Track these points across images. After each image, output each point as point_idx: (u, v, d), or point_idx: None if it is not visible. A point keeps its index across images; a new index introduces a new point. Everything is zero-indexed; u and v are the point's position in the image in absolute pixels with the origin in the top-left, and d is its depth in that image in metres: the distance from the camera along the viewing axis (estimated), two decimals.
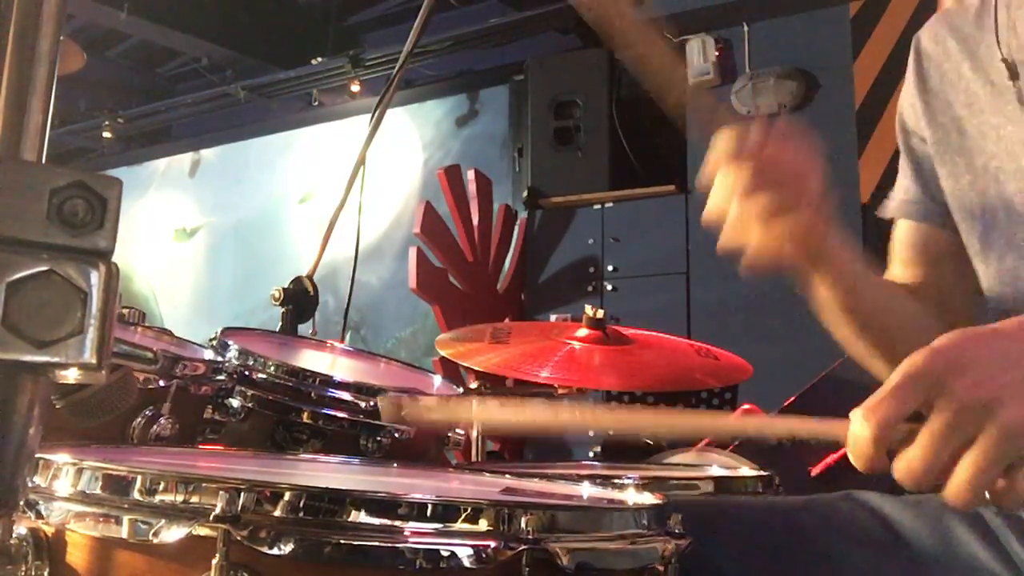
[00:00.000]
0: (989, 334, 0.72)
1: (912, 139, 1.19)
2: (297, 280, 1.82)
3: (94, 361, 0.47)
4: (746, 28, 4.31)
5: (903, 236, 1.21)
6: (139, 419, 1.14)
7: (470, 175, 4.84)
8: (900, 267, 1.21)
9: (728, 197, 0.98)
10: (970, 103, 1.11)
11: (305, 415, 1.32)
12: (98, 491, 0.73)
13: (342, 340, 2.09)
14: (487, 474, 1.17)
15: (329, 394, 1.34)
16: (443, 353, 1.85)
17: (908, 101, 1.20)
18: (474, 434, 1.89)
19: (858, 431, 0.70)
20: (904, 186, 1.20)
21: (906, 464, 0.69)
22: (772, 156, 0.99)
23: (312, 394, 1.33)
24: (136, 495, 0.72)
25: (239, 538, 0.66)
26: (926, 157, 1.17)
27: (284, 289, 1.79)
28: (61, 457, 0.76)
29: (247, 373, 1.31)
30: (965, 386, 0.67)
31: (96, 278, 0.47)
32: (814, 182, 0.99)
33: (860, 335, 1.13)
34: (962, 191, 1.11)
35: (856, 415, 0.70)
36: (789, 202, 0.97)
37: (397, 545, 0.69)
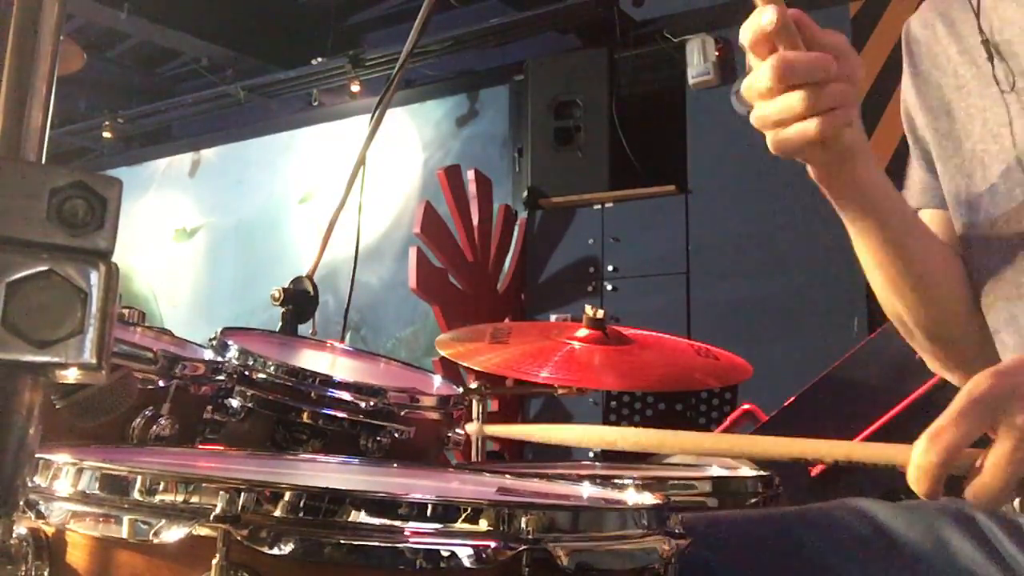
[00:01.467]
0: None
1: (916, 127, 1.19)
2: (297, 280, 1.82)
3: (94, 361, 0.47)
4: None
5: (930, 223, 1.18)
6: (139, 419, 1.14)
7: (470, 175, 4.85)
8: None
9: (769, 83, 0.89)
10: (959, 86, 1.10)
11: (305, 415, 1.32)
12: (98, 491, 0.73)
13: (342, 340, 2.09)
14: (487, 474, 1.17)
15: (329, 394, 1.34)
16: (443, 353, 1.85)
17: (905, 89, 1.20)
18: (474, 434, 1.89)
19: (922, 459, 0.70)
20: (917, 176, 1.19)
21: (977, 491, 0.70)
22: (816, 49, 0.90)
23: (312, 394, 1.33)
24: (136, 495, 0.72)
25: (239, 538, 0.66)
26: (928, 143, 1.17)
27: (284, 289, 1.79)
28: (61, 457, 0.76)
29: (247, 373, 1.31)
30: None
31: (96, 278, 0.47)
32: (859, 82, 0.91)
33: (906, 290, 1.07)
34: (950, 174, 1.10)
35: (921, 442, 0.70)
36: (836, 101, 0.88)
37: (397, 545, 0.69)
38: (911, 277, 1.06)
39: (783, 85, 0.88)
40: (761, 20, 0.91)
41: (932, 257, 1.08)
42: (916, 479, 0.71)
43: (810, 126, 0.89)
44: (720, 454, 1.08)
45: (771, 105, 0.91)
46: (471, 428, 1.62)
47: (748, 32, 0.94)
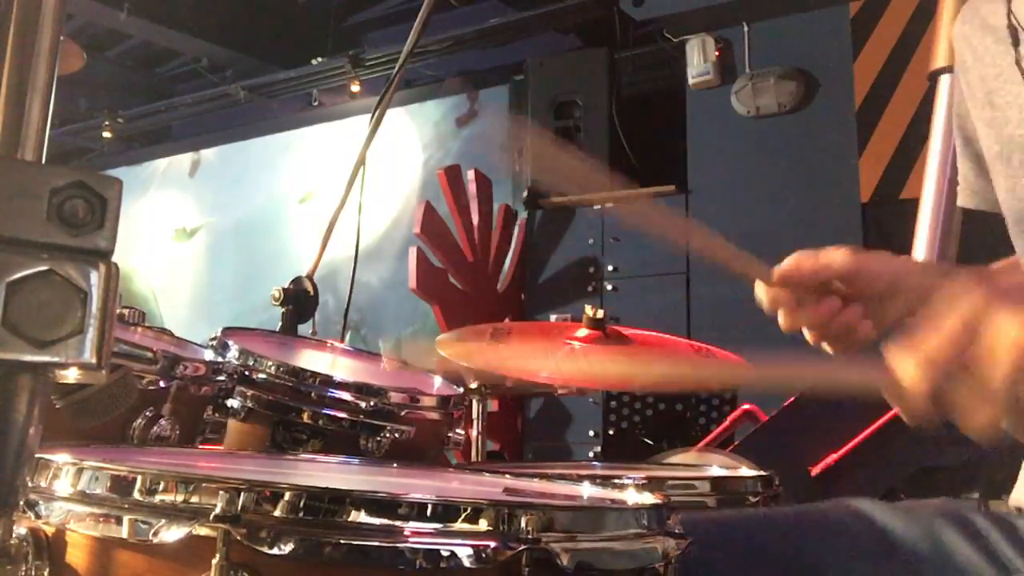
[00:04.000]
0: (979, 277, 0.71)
1: (965, 124, 1.18)
2: (297, 280, 1.82)
3: (94, 361, 0.47)
4: (746, 28, 4.31)
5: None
6: (139, 419, 1.14)
7: (470, 175, 4.84)
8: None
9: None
10: (998, 74, 1.10)
11: (305, 415, 1.32)
12: (98, 491, 0.73)
13: (342, 340, 2.09)
14: (487, 474, 1.17)
15: (329, 394, 1.34)
16: (443, 353, 1.85)
17: (956, 89, 1.19)
18: (474, 434, 1.89)
19: (907, 379, 0.67)
20: (970, 176, 1.19)
21: (974, 415, 0.66)
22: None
23: (312, 394, 1.33)
24: (136, 495, 0.72)
25: (239, 538, 0.66)
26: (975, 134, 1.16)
27: (284, 289, 1.79)
28: (61, 457, 0.76)
29: (247, 373, 1.31)
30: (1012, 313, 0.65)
31: (96, 278, 0.47)
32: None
33: None
34: (991, 161, 1.10)
35: (904, 361, 0.67)
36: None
37: (397, 545, 0.69)
38: None
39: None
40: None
41: None
42: (899, 403, 0.69)
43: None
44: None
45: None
46: None
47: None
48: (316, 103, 6.71)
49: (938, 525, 0.98)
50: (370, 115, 1.99)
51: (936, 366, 0.66)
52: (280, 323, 1.79)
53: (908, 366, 0.67)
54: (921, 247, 2.30)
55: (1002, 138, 1.08)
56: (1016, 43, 1.06)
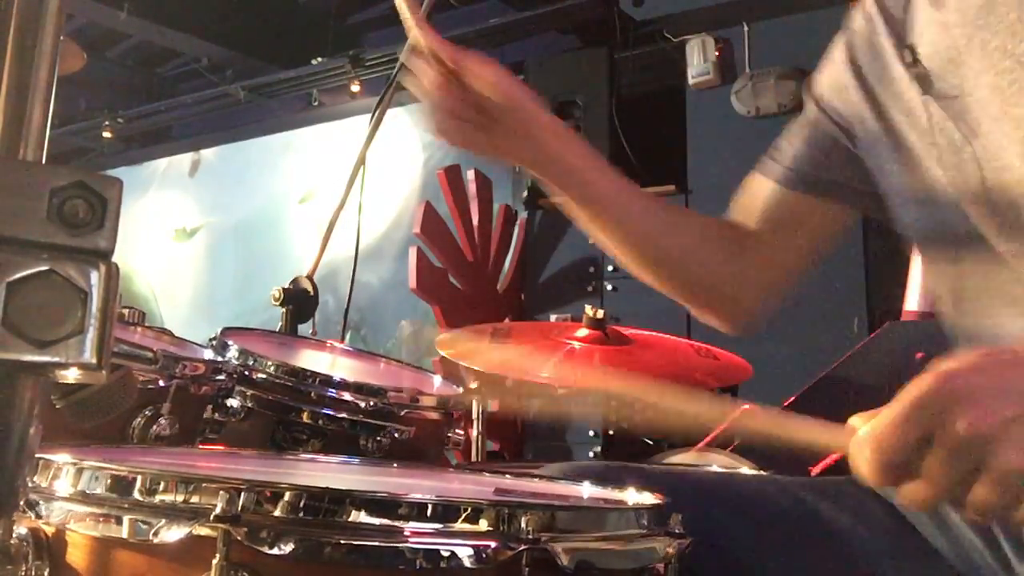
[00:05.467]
0: (1001, 363, 0.69)
1: (827, 111, 1.13)
2: (297, 280, 1.83)
3: (94, 361, 0.47)
4: (746, 28, 4.30)
5: (762, 193, 1.19)
6: (139, 419, 1.14)
7: (470, 175, 4.84)
8: (742, 213, 1.21)
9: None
10: (900, 93, 1.02)
11: (305, 415, 1.33)
12: (98, 491, 0.73)
13: (342, 340, 2.09)
14: (487, 474, 1.17)
15: (329, 394, 1.35)
16: (443, 353, 1.86)
17: (839, 71, 1.13)
18: (474, 434, 1.89)
19: (859, 455, 0.69)
20: (793, 155, 1.16)
21: (909, 494, 0.68)
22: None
23: (312, 394, 1.33)
24: (136, 495, 0.72)
25: (239, 538, 0.66)
26: (833, 133, 1.12)
27: (284, 289, 1.80)
28: (61, 457, 0.76)
29: (247, 373, 1.32)
30: (967, 420, 0.64)
31: (96, 278, 0.47)
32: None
33: (628, 256, 1.22)
34: (906, 182, 1.02)
35: (858, 440, 0.69)
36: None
37: (397, 545, 0.69)
38: (627, 242, 1.23)
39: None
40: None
41: (650, 223, 1.22)
42: (856, 471, 0.70)
43: None
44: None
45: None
46: None
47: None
48: (316, 103, 6.71)
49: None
50: (370, 115, 2.00)
51: (882, 452, 0.68)
52: (280, 323, 1.79)
53: (859, 446, 0.69)
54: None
55: (900, 157, 1.01)
56: (915, 62, 0.98)
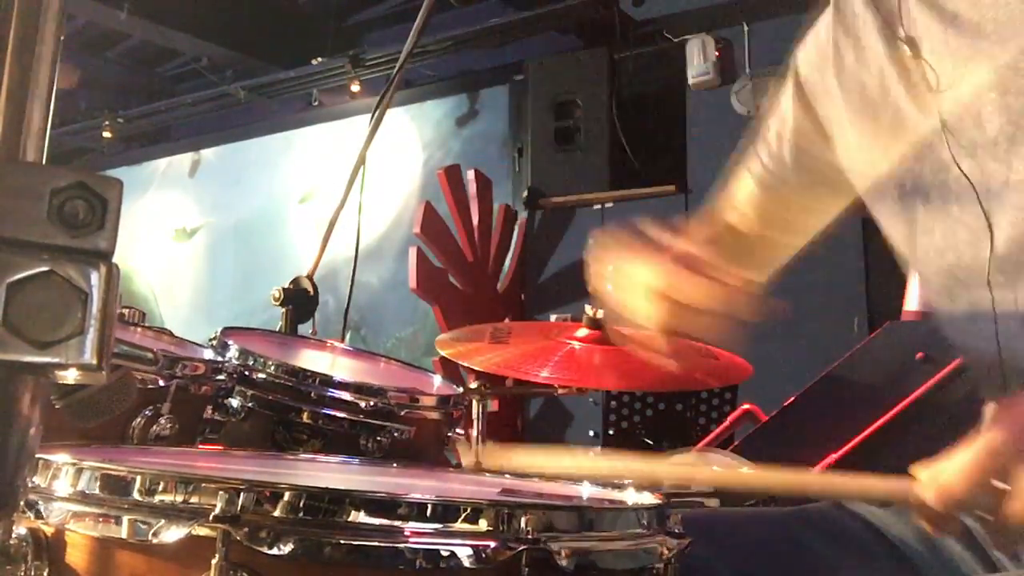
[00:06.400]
0: None
1: (808, 106, 1.15)
2: (297, 280, 1.83)
3: (94, 361, 0.47)
4: (746, 28, 4.31)
5: (739, 188, 1.24)
6: (139, 419, 1.14)
7: (470, 175, 4.84)
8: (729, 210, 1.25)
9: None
10: (887, 88, 1.01)
11: (305, 415, 1.32)
12: (98, 491, 0.73)
13: (342, 340, 2.09)
14: (487, 474, 1.17)
15: (329, 394, 1.34)
16: (443, 353, 1.85)
17: (814, 66, 1.13)
18: (474, 434, 1.88)
19: (932, 511, 0.69)
20: (767, 153, 1.19)
21: (995, 534, 0.69)
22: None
23: (312, 394, 1.33)
24: (136, 495, 0.72)
25: (239, 538, 0.66)
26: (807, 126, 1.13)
27: (284, 289, 1.79)
28: (61, 457, 0.76)
29: (247, 373, 1.31)
30: None
31: (96, 278, 0.47)
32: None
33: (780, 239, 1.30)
34: (883, 179, 1.03)
35: (927, 489, 0.69)
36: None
37: (397, 545, 0.69)
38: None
39: None
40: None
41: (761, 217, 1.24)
42: (924, 520, 0.71)
43: None
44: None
45: None
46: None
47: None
48: (316, 103, 6.71)
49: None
50: (370, 115, 1.99)
51: (949, 499, 0.68)
52: (280, 323, 1.79)
53: (927, 491, 0.69)
54: None
55: (889, 152, 1.01)
56: (918, 56, 0.96)
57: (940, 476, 0.69)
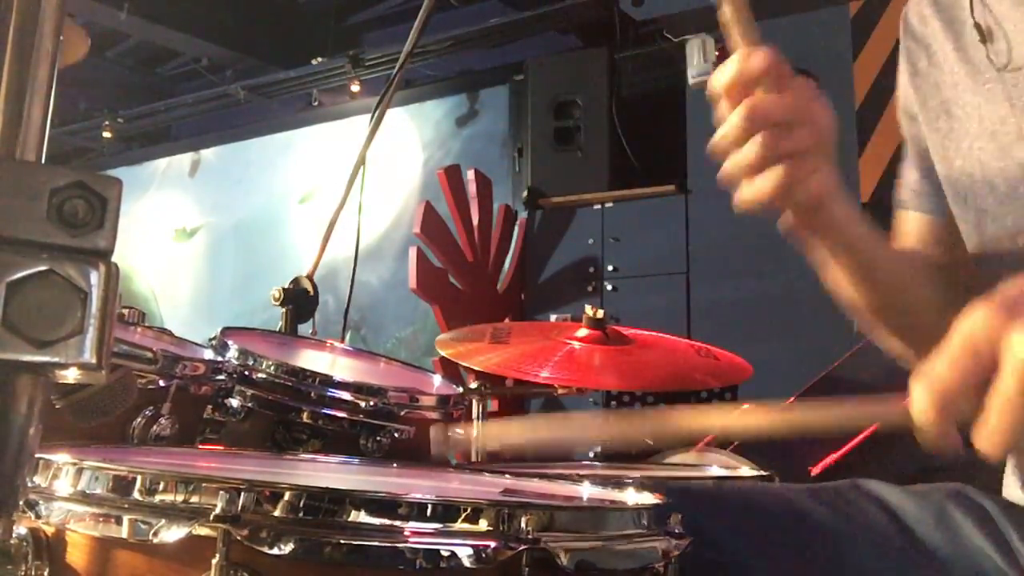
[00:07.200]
0: None
1: (915, 127, 1.15)
2: (297, 280, 1.83)
3: (94, 361, 0.47)
4: None
5: (909, 226, 1.17)
6: (139, 419, 1.14)
7: (470, 175, 4.84)
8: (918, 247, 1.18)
9: (742, 128, 0.87)
10: (955, 83, 1.07)
11: (305, 415, 1.32)
12: (98, 491, 0.73)
13: (342, 340, 2.08)
14: (487, 474, 1.17)
15: (329, 394, 1.34)
16: (443, 353, 1.86)
17: (903, 87, 1.16)
18: (474, 434, 1.88)
19: (921, 415, 0.64)
20: (912, 178, 1.17)
21: (984, 439, 0.62)
22: (787, 93, 0.89)
23: (312, 394, 1.33)
24: (136, 495, 0.72)
25: (239, 538, 0.66)
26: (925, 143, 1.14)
27: (284, 289, 1.79)
28: (61, 457, 0.76)
29: (247, 373, 1.31)
30: None
31: (96, 278, 0.47)
32: (828, 128, 0.91)
33: (876, 311, 1.09)
34: (955, 176, 1.06)
35: (917, 392, 0.64)
36: (804, 145, 0.89)
37: (397, 545, 0.69)
38: (876, 294, 1.08)
39: (754, 131, 0.87)
40: (751, 64, 0.87)
41: (898, 271, 1.08)
42: (921, 434, 0.65)
43: (776, 172, 0.88)
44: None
45: (740, 154, 0.88)
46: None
47: (730, 75, 0.88)
48: (316, 103, 6.71)
49: (949, 508, 0.99)
50: (370, 115, 1.99)
51: (944, 394, 0.63)
52: (280, 323, 1.79)
53: (919, 395, 0.64)
54: None
55: (961, 151, 1.04)
56: (986, 40, 1.01)
57: (930, 372, 0.64)
